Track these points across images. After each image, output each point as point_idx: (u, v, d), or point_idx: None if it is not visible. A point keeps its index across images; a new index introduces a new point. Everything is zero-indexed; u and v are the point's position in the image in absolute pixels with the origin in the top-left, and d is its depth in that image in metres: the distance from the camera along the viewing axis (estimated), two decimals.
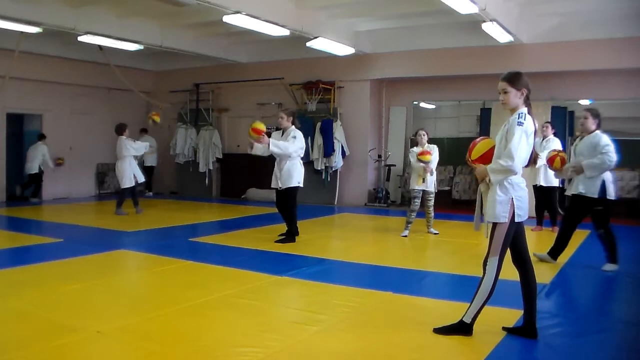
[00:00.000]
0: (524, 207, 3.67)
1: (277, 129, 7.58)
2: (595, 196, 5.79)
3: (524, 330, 3.76)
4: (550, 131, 8.42)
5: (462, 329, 3.78)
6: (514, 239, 3.73)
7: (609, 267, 5.90)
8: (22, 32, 9.54)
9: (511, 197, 3.61)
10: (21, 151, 12.98)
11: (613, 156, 5.67)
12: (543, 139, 8.32)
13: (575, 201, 6.00)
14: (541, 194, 8.51)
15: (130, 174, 9.95)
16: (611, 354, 3.66)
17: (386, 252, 7.18)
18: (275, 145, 7.05)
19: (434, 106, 13.37)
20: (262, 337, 3.72)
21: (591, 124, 5.85)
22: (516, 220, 3.64)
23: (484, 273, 3.69)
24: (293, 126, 7.35)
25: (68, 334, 3.68)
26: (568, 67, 10.12)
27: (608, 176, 5.87)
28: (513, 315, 4.08)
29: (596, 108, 6.07)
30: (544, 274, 5.69)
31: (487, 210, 3.70)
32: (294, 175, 7.25)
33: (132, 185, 9.98)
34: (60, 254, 6.43)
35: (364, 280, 5.40)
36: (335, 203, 12.38)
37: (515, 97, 3.68)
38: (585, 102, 11.16)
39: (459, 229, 8.87)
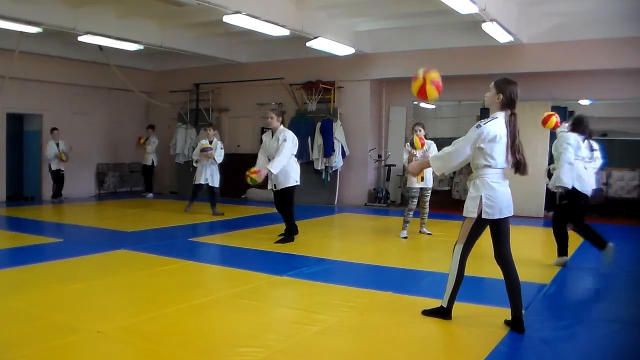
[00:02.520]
0: (495, 206, 3.85)
1: (265, 129, 7.59)
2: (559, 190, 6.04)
3: (513, 325, 3.87)
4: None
5: (442, 312, 4.08)
6: (494, 237, 3.95)
7: (606, 251, 5.80)
8: (22, 32, 9.53)
9: (480, 194, 3.86)
10: (21, 151, 12.99)
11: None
12: None
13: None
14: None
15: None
16: (611, 354, 3.66)
17: (386, 252, 7.18)
18: (275, 168, 7.02)
19: (434, 106, 13.35)
20: (262, 337, 3.72)
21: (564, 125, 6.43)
22: (483, 216, 3.86)
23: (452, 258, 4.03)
24: (282, 126, 7.35)
25: (68, 334, 3.68)
26: (568, 67, 10.12)
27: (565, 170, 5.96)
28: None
29: (581, 114, 6.39)
30: (544, 274, 5.69)
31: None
32: (290, 174, 7.26)
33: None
34: (60, 254, 6.43)
35: (364, 280, 5.40)
36: (335, 203, 12.38)
37: (490, 98, 3.92)
38: (585, 102, 11.16)
39: (458, 229, 8.85)
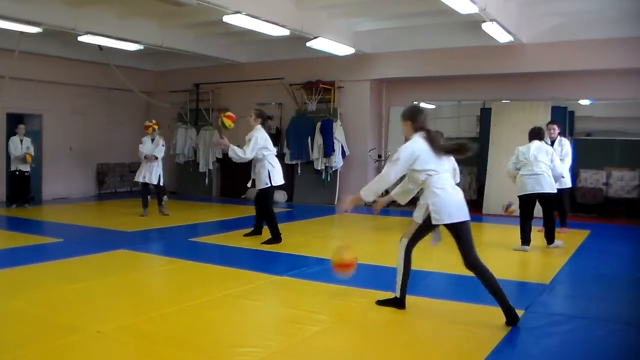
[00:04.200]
0: (441, 211, 4.04)
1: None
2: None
3: (506, 317, 3.95)
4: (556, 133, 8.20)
5: (396, 302, 4.33)
6: (456, 243, 4.08)
7: (522, 246, 6.88)
8: (22, 32, 9.53)
9: (427, 203, 4.10)
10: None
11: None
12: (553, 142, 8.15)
13: None
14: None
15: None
16: (611, 355, 3.65)
17: (386, 252, 7.16)
18: (232, 150, 7.32)
19: (434, 106, 13.36)
20: (262, 337, 3.72)
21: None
22: (433, 222, 4.09)
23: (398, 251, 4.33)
24: (258, 126, 7.42)
25: (68, 334, 3.68)
26: (568, 67, 10.12)
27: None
28: None
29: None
30: (544, 274, 5.70)
31: None
32: (262, 176, 7.33)
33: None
34: (60, 254, 6.43)
35: (364, 280, 5.40)
36: (335, 203, 12.35)
37: (405, 128, 4.53)
38: (585, 102, 11.17)
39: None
